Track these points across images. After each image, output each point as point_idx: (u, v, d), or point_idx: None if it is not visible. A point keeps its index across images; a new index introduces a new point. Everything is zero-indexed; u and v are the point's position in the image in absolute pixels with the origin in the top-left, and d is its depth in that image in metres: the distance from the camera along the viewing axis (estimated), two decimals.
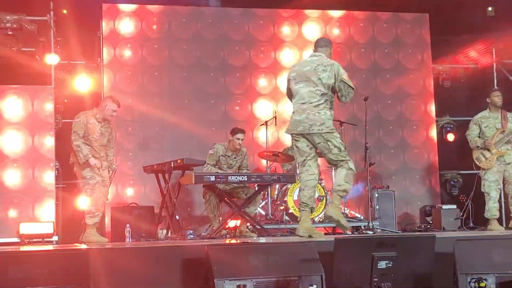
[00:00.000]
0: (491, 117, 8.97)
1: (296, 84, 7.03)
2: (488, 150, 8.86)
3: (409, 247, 5.49)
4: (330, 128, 6.94)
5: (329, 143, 6.96)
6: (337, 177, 7.10)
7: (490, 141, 8.81)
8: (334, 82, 6.89)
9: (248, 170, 9.49)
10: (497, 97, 8.96)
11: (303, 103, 6.95)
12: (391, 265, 5.35)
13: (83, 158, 8.14)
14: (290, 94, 7.23)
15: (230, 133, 9.35)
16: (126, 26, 11.07)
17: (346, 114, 11.34)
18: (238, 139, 9.21)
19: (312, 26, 11.76)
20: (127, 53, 11.05)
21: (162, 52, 11.20)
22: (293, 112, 7.09)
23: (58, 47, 10.51)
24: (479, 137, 9.01)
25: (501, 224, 9.20)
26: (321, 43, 7.20)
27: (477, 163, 9.00)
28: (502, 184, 8.92)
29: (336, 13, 11.90)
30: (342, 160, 7.05)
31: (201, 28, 11.37)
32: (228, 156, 9.27)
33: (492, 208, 8.84)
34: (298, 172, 9.93)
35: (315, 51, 7.18)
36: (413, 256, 5.44)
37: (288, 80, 7.17)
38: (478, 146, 8.97)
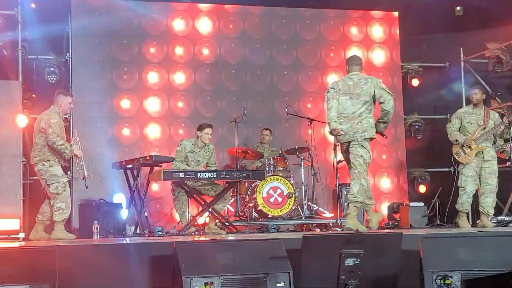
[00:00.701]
0: (474, 113, 9.02)
1: (341, 96, 7.83)
2: (468, 145, 8.90)
3: (376, 244, 5.54)
4: (371, 135, 7.79)
5: (359, 149, 7.69)
6: (352, 189, 7.70)
7: (471, 138, 8.87)
8: (374, 91, 7.76)
9: (216, 166, 9.49)
10: (473, 95, 9.05)
11: (346, 114, 7.78)
12: (358, 262, 5.38)
13: (70, 153, 8.24)
14: (333, 105, 7.82)
15: (198, 129, 9.33)
16: (95, 22, 10.95)
17: (315, 111, 11.40)
18: (207, 134, 9.20)
19: (281, 23, 11.79)
20: (96, 49, 10.94)
21: (132, 48, 11.12)
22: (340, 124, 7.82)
23: (26, 41, 10.39)
24: (459, 131, 9.04)
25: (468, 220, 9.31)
26: (358, 62, 8.09)
27: (456, 158, 9.03)
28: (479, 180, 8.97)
29: (307, 11, 11.91)
30: (358, 173, 7.68)
31: (171, 24, 11.31)
32: (196, 152, 9.26)
33: (465, 202, 8.91)
34: (267, 169, 10.00)
35: (351, 69, 8.01)
36: (380, 253, 5.48)
37: (333, 92, 7.87)
38: (457, 140, 8.98)
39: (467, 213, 9.25)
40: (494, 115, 9.00)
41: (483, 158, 8.86)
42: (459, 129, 9.08)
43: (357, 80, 7.83)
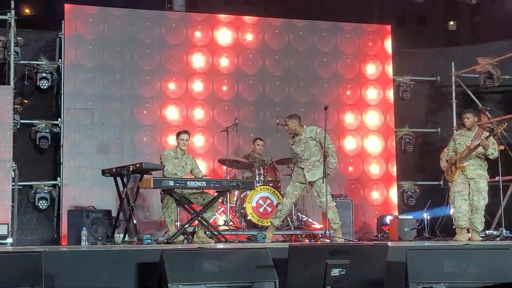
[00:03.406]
0: (465, 135, 9.18)
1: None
2: (453, 163, 9.05)
3: (362, 255, 5.56)
4: None
5: None
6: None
7: (455, 157, 9.07)
8: None
9: (201, 171, 9.49)
10: (465, 119, 9.16)
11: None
12: (344, 272, 5.41)
13: None
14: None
15: (176, 135, 9.38)
16: (88, 28, 10.98)
17: (307, 122, 11.37)
18: (183, 139, 9.27)
19: (274, 35, 11.83)
20: (89, 55, 10.95)
21: (124, 55, 11.13)
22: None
23: (19, 46, 10.40)
24: (456, 153, 9.20)
25: None
26: None
27: (445, 175, 9.31)
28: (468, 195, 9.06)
29: (300, 23, 11.96)
30: None
31: (164, 32, 11.34)
32: (179, 158, 9.30)
33: (456, 218, 8.99)
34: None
35: None
36: (366, 264, 5.50)
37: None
38: (447, 160, 9.20)
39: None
40: (484, 135, 9.07)
41: (467, 176, 8.98)
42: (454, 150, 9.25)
43: None
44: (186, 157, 9.38)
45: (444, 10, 12.24)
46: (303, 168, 8.89)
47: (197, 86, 11.40)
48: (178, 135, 9.36)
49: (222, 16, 11.69)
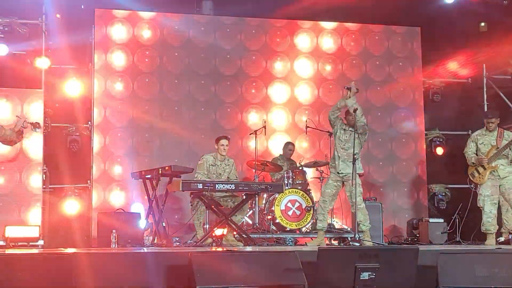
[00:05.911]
0: (487, 135, 9.03)
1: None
2: (482, 165, 8.92)
3: (392, 259, 5.52)
4: None
5: None
6: None
7: (484, 158, 8.90)
8: None
9: (237, 178, 9.49)
10: (488, 124, 9.01)
11: None
12: (373, 276, 5.37)
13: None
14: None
15: (215, 141, 9.38)
16: (118, 32, 11.06)
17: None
18: (223, 145, 9.28)
19: (304, 37, 11.79)
20: (119, 58, 11.03)
21: (154, 59, 11.20)
22: None
23: (49, 51, 10.51)
24: (476, 154, 9.04)
25: None
26: None
27: (471, 179, 9.08)
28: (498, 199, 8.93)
29: (328, 25, 11.92)
30: None
31: (192, 36, 11.38)
32: (217, 165, 9.30)
33: (486, 223, 8.85)
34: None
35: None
36: (396, 268, 5.46)
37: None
38: (473, 163, 9.02)
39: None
40: (508, 135, 8.95)
41: (499, 176, 8.85)
42: (476, 151, 9.08)
43: None
44: (225, 163, 9.37)
45: (474, 11, 12.05)
46: (339, 157, 8.87)
47: (225, 89, 11.41)
48: (217, 140, 9.37)
49: (251, 20, 11.69)
